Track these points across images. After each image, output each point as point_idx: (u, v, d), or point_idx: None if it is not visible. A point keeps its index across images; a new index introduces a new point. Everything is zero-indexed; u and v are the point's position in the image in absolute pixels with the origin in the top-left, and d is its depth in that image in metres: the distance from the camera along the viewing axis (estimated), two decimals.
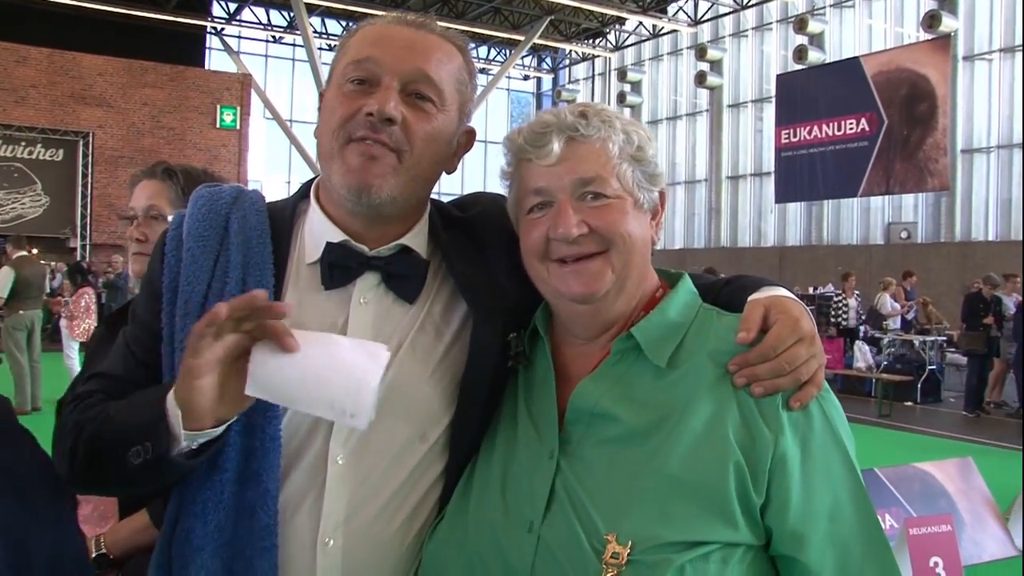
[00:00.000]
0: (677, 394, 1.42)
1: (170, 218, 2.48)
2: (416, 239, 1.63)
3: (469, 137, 1.67)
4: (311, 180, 1.70)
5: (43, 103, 25.72)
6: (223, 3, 30.72)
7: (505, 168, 1.60)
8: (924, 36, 22.99)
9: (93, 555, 2.28)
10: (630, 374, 1.48)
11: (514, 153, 1.55)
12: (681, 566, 1.30)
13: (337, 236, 1.57)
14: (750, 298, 1.49)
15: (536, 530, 1.41)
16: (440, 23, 1.69)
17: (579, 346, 1.58)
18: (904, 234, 24.58)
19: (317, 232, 1.60)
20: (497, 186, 1.69)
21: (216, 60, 31.97)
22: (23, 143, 25.28)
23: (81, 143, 25.88)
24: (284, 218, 1.62)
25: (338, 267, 1.56)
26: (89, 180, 25.09)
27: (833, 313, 16.67)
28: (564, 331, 1.61)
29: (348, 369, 1.32)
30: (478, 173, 32.88)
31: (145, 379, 1.52)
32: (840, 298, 16.71)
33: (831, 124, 23.69)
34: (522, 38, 31.30)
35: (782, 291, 1.52)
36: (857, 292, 16.78)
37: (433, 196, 1.71)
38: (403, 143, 1.50)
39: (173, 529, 1.47)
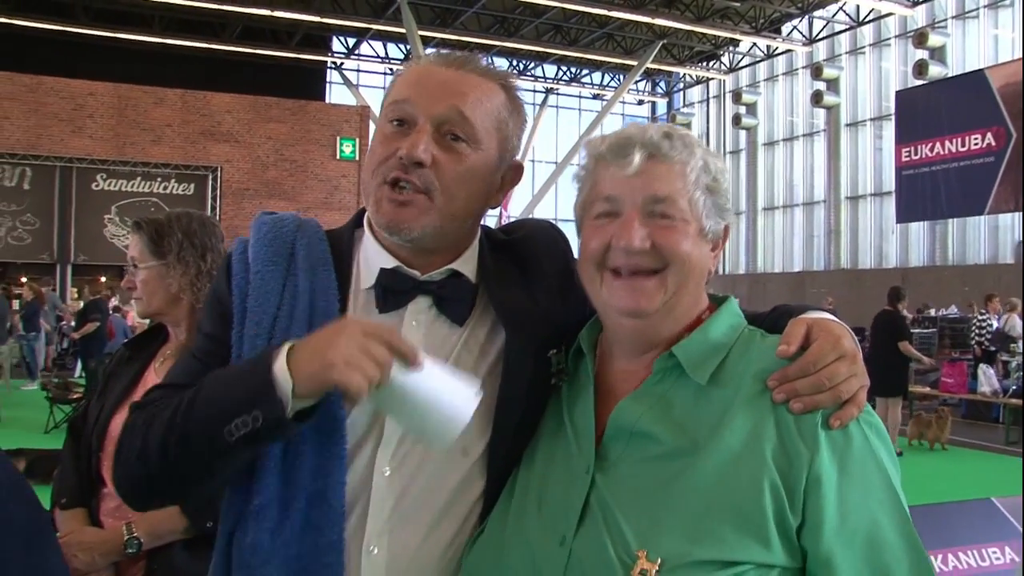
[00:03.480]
0: (715, 412, 1.42)
1: (139, 266, 2.72)
2: (466, 264, 1.67)
3: (516, 172, 1.70)
4: (364, 208, 1.74)
5: (177, 141, 27.00)
6: (342, 38, 31.74)
7: (579, 170, 1.62)
8: None
9: (125, 538, 2.48)
10: (671, 393, 1.48)
11: (593, 157, 1.56)
12: None
13: (390, 262, 1.63)
14: (793, 318, 1.49)
15: (568, 544, 1.41)
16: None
17: (623, 363, 1.58)
18: None
19: (371, 259, 1.66)
20: None
21: (336, 94, 33.03)
22: (159, 179, 26.61)
23: (210, 177, 27.09)
24: (343, 246, 1.68)
25: (391, 291, 1.61)
26: (217, 212, 26.14)
27: (976, 333, 16.06)
28: (610, 347, 1.61)
29: (443, 410, 1.40)
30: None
31: None
32: (984, 317, 16.08)
33: (955, 140, 22.84)
34: (635, 63, 31.32)
35: (827, 315, 1.51)
36: (998, 314, 16.12)
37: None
38: (432, 184, 1.54)
39: (230, 542, 1.52)
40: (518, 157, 1.72)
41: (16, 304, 18.75)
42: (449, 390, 1.42)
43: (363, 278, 1.66)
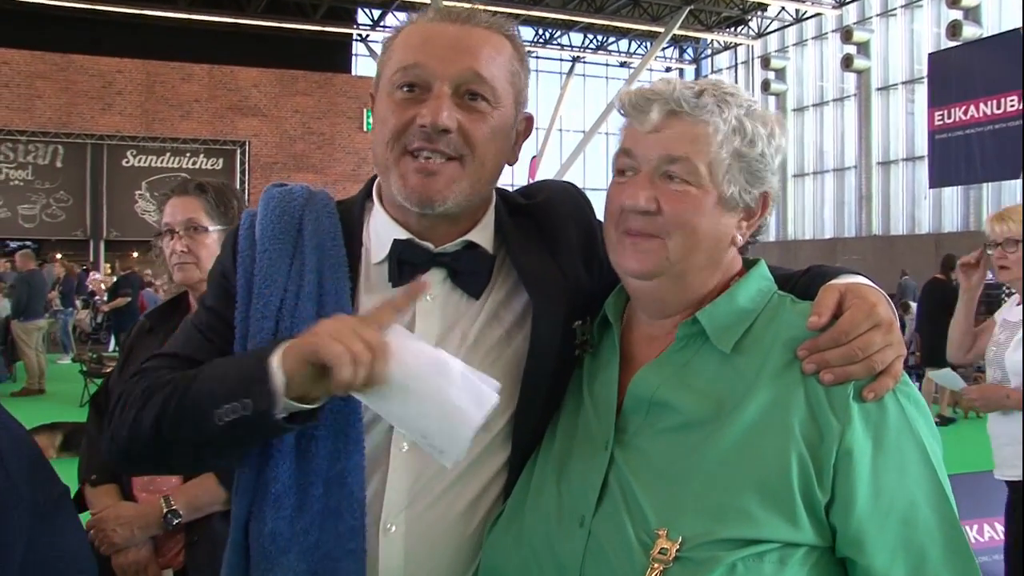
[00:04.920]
0: (740, 381, 1.35)
1: (210, 229, 2.67)
2: (482, 234, 1.61)
3: (527, 124, 1.64)
4: (374, 178, 1.67)
5: (205, 116, 27.17)
6: (367, 11, 31.61)
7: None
8: None
9: (164, 511, 2.50)
10: (695, 361, 1.42)
11: (620, 111, 1.49)
12: (732, 564, 1.24)
13: (403, 235, 1.56)
14: (825, 284, 1.41)
15: (587, 524, 1.37)
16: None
17: (646, 329, 1.52)
18: None
19: (382, 232, 1.59)
20: None
21: (362, 66, 32.92)
22: (188, 154, 26.81)
23: (238, 151, 27.24)
24: (353, 218, 1.62)
25: (405, 264, 1.55)
26: (246, 186, 26.28)
27: (1006, 300, 15.82)
28: (633, 312, 1.56)
29: (451, 406, 1.28)
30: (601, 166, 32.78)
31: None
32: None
33: (989, 103, 22.40)
34: (662, 30, 30.97)
35: (862, 279, 1.45)
36: None
37: None
38: (462, 148, 1.48)
39: (246, 531, 1.49)
40: (526, 109, 1.65)
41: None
42: (460, 386, 1.30)
43: (374, 252, 1.60)
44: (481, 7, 1.61)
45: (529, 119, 1.65)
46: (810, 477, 1.26)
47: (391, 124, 1.50)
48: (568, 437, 1.51)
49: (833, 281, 1.43)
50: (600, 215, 1.59)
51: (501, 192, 1.70)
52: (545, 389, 1.55)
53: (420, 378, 1.29)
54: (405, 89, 1.50)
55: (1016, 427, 3.85)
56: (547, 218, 1.68)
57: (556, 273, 1.60)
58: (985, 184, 24.93)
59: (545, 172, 30.45)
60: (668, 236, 1.40)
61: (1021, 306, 4.08)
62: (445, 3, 26.28)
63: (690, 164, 1.39)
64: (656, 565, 1.26)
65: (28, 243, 22.97)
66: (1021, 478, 3.89)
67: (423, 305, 1.55)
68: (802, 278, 1.54)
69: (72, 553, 1.35)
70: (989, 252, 4.13)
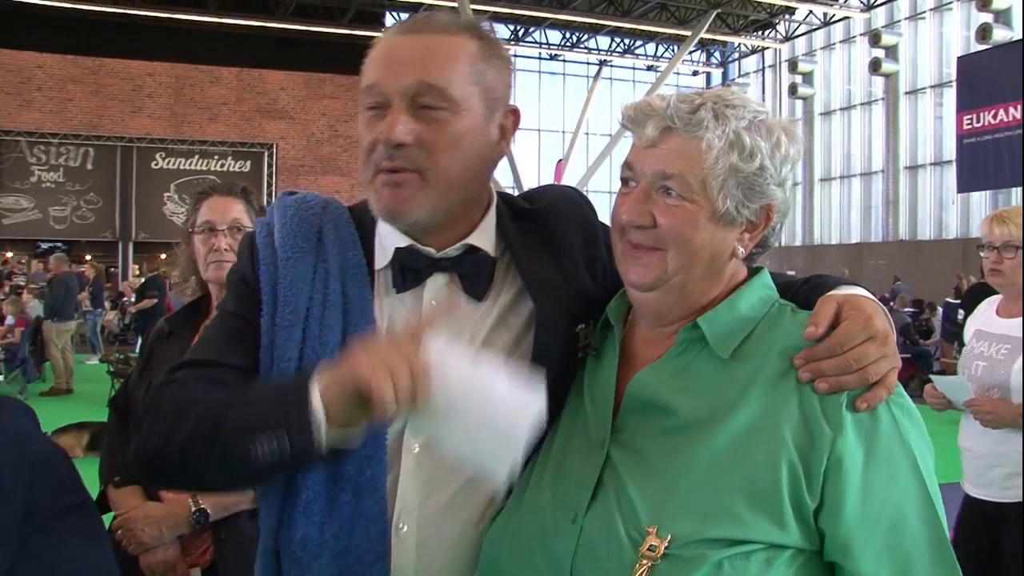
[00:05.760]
0: (735, 387, 1.38)
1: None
2: (482, 237, 1.62)
3: (514, 117, 1.62)
4: None
5: (233, 119, 27.47)
6: (395, 13, 31.76)
7: None
8: None
9: (192, 510, 2.51)
10: (693, 365, 1.44)
11: (621, 123, 1.51)
12: (718, 562, 1.26)
13: (403, 241, 1.58)
14: (824, 295, 1.43)
15: (580, 521, 1.39)
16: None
17: (647, 333, 1.55)
18: None
19: (385, 238, 1.61)
20: None
21: None
22: (216, 156, 27.15)
23: (266, 154, 27.50)
24: (366, 226, 1.63)
25: (409, 269, 1.57)
26: (273, 188, 26.51)
27: None
28: (635, 316, 1.58)
29: (493, 426, 1.26)
30: None
31: (246, 367, 1.52)
32: None
33: (1019, 106, 22.25)
34: (689, 33, 30.88)
35: (860, 291, 1.46)
36: None
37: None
38: (423, 161, 1.48)
39: (276, 536, 1.50)
40: (511, 102, 1.62)
41: None
42: (503, 402, 1.27)
43: (378, 259, 1.61)
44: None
45: (515, 112, 1.63)
46: (799, 482, 1.29)
47: (364, 144, 1.53)
48: (566, 437, 1.54)
49: (832, 292, 1.45)
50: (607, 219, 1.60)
51: (504, 196, 1.71)
52: (549, 393, 1.53)
53: (462, 399, 1.25)
54: (371, 109, 1.52)
55: (1011, 446, 3.60)
56: (549, 223, 1.69)
57: (559, 278, 1.62)
58: (1013, 189, 24.67)
59: (571, 175, 30.42)
60: (667, 249, 1.43)
61: (1022, 318, 3.79)
62: (473, 6, 26.35)
63: (683, 180, 1.40)
64: (645, 561, 1.29)
65: (59, 244, 23.32)
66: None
67: (428, 310, 1.57)
68: (803, 287, 1.56)
69: (77, 567, 1.33)
70: (983, 255, 3.86)
